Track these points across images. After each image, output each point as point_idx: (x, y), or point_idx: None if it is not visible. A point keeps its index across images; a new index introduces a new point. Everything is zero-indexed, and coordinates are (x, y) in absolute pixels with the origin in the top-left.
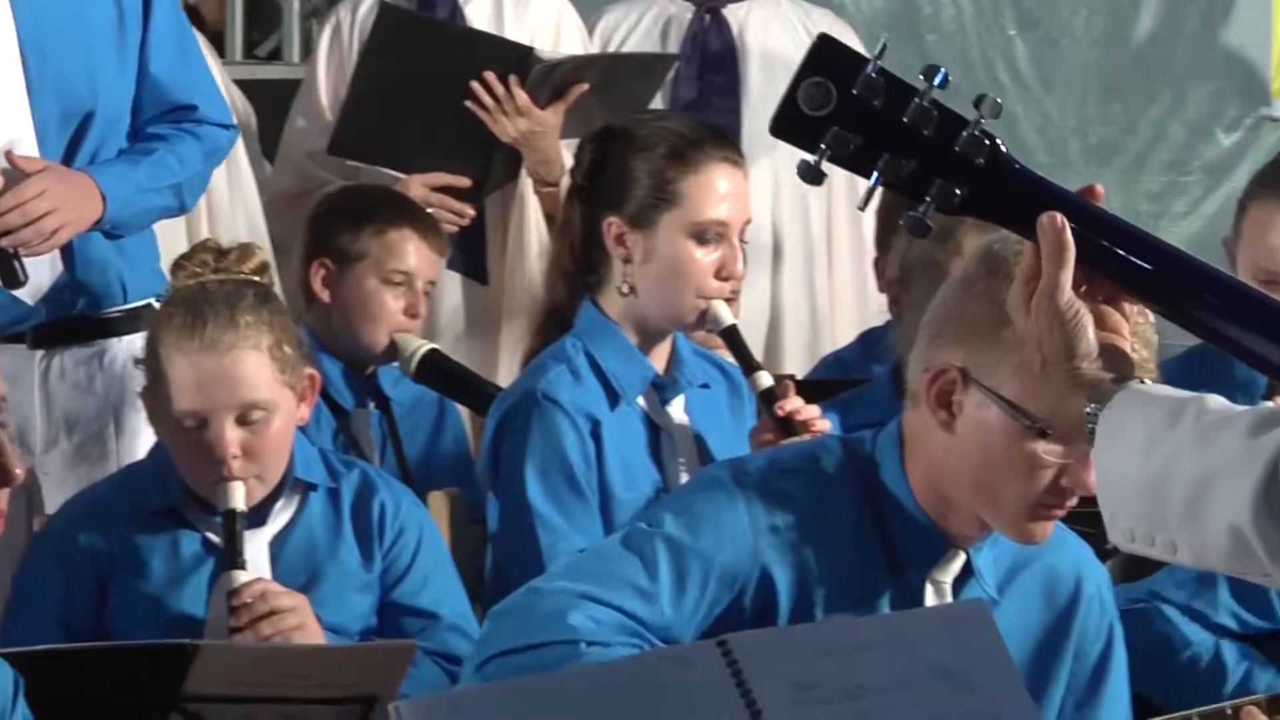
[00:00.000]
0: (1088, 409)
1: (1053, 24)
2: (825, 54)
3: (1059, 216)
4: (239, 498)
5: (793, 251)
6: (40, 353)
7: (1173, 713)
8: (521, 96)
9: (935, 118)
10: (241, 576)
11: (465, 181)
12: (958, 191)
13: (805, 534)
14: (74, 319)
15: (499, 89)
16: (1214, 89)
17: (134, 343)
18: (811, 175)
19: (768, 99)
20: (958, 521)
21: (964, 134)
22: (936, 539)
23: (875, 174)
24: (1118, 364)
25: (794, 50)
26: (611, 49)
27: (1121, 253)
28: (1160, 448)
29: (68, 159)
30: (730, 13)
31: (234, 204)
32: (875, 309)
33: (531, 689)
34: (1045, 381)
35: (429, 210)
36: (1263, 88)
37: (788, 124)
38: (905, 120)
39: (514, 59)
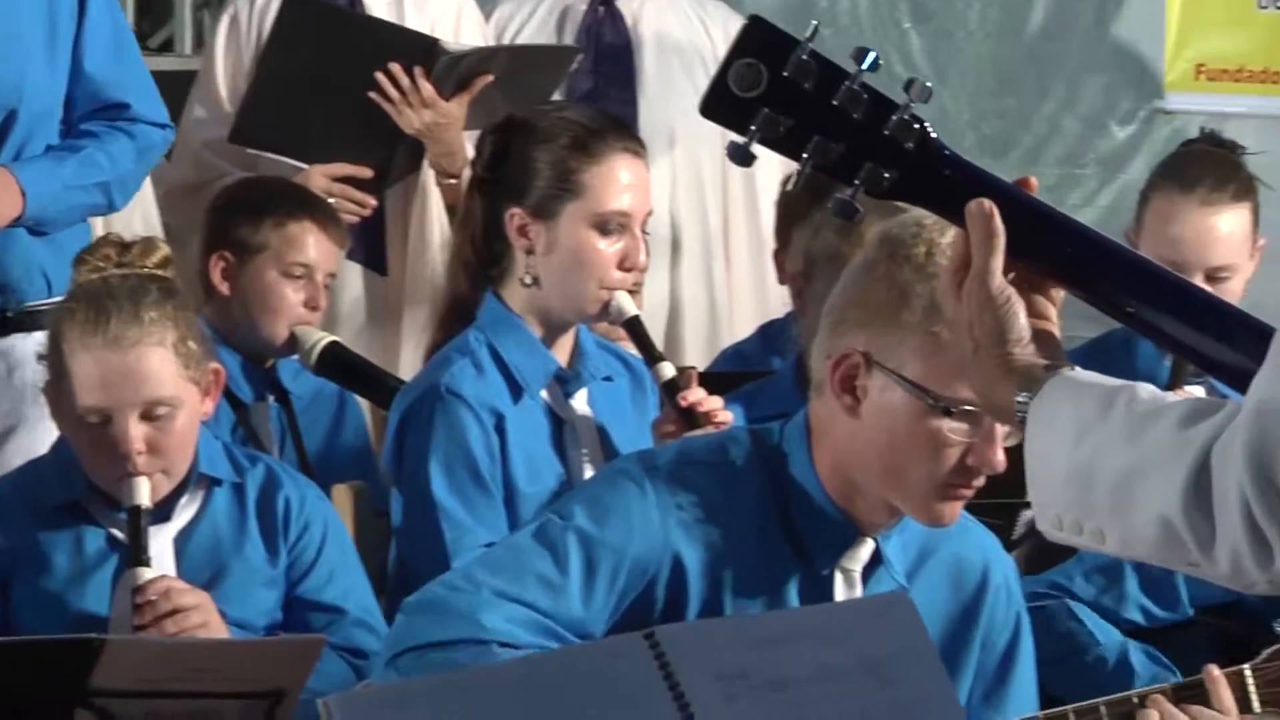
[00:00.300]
0: (1019, 397)
1: (947, 17)
2: (757, 35)
3: (987, 202)
4: (144, 494)
5: (690, 244)
6: None
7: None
8: (426, 88)
9: (865, 101)
10: (146, 574)
11: (367, 173)
12: (886, 175)
13: (714, 525)
14: None
15: (404, 80)
16: (1107, 82)
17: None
18: (741, 156)
19: (663, 90)
20: (865, 508)
21: (894, 118)
22: (845, 527)
23: (805, 156)
24: (1050, 349)
25: (689, 41)
26: (505, 41)
27: (1049, 239)
28: (1090, 437)
29: None
30: (624, 4)
31: None
32: (774, 302)
33: (462, 682)
34: (977, 366)
35: (330, 201)
36: (1155, 81)
37: (718, 105)
38: (835, 103)
39: (419, 50)
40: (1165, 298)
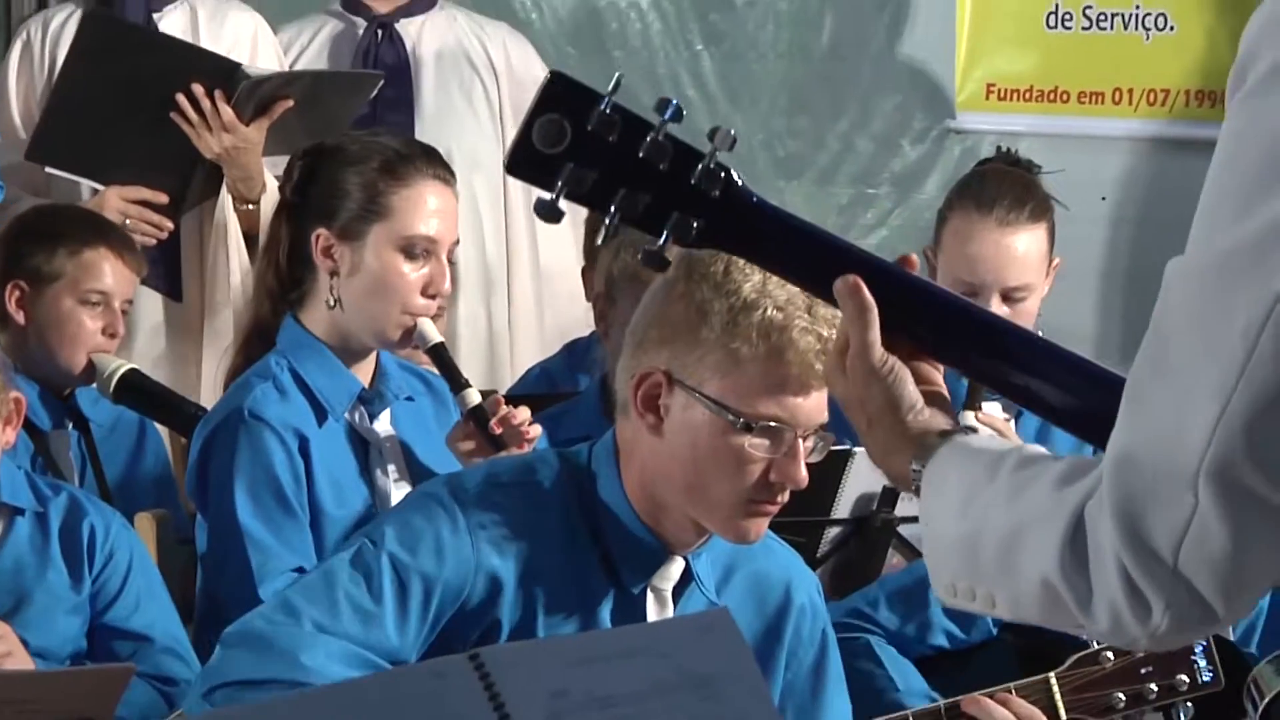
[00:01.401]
0: (913, 466)
1: (739, 39)
2: (559, 90)
3: (851, 278)
4: None
5: (467, 272)
6: None
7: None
8: (227, 112)
9: (670, 151)
10: None
11: (163, 197)
12: (694, 224)
13: (523, 547)
14: None
15: (205, 103)
16: (899, 102)
17: None
18: (548, 212)
19: (442, 113)
20: (673, 527)
21: (699, 166)
22: (654, 547)
23: (612, 209)
24: (945, 412)
25: (468, 63)
26: (288, 64)
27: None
28: (977, 501)
29: None
30: (403, 27)
31: None
32: (553, 330)
33: (285, 706)
34: (872, 439)
35: (126, 223)
36: (946, 100)
37: (523, 161)
38: (641, 155)
39: (220, 73)
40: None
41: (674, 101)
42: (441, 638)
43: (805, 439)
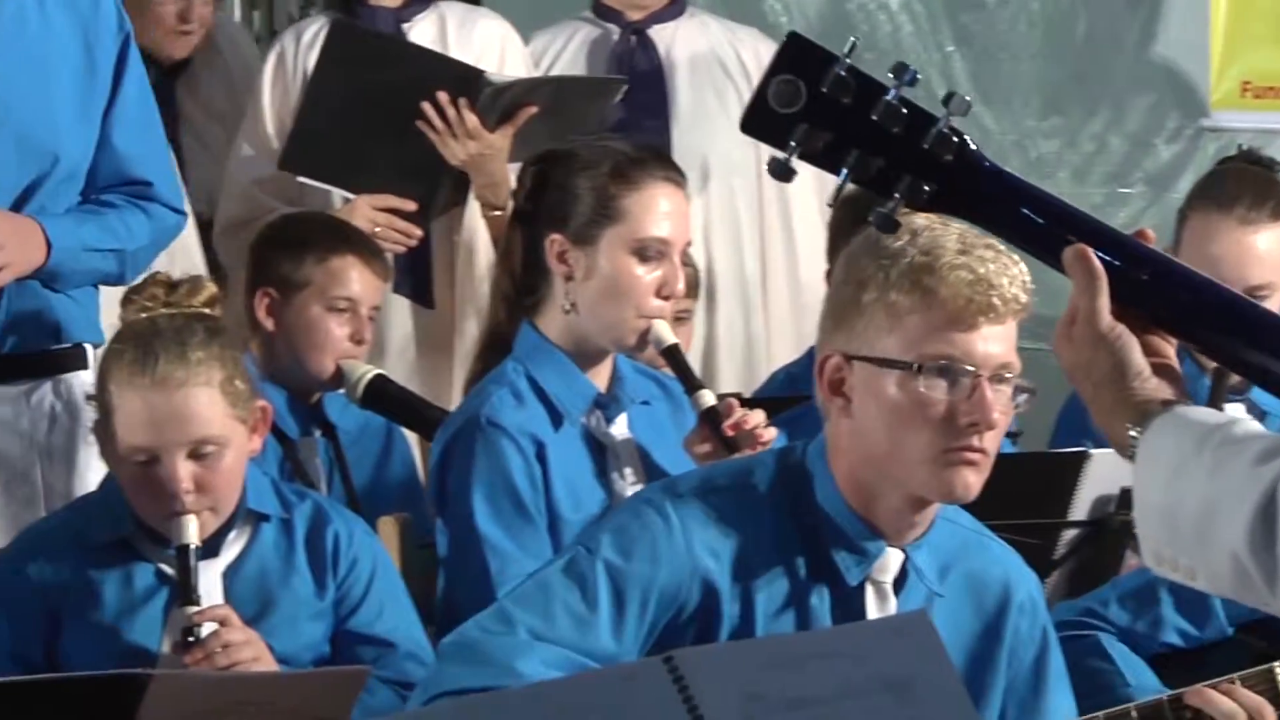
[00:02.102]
0: (1130, 432)
1: (990, 39)
2: (795, 52)
3: (1081, 246)
4: (192, 532)
5: (725, 280)
6: None
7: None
8: (471, 119)
9: (904, 115)
10: (195, 610)
11: (411, 205)
12: (926, 188)
13: (740, 549)
14: (3, 358)
15: (450, 111)
16: (1153, 101)
17: (64, 382)
18: (781, 171)
19: (697, 117)
20: (887, 513)
21: (932, 131)
22: (871, 540)
23: (844, 170)
24: (1174, 384)
25: (722, 67)
26: (542, 72)
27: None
28: (1183, 472)
29: (16, 207)
30: (656, 33)
31: None
32: (809, 334)
33: (482, 706)
34: (1098, 404)
35: (376, 232)
36: (1200, 99)
37: (757, 121)
38: (874, 118)
39: (465, 81)
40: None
41: (910, 67)
42: (659, 643)
43: (991, 380)
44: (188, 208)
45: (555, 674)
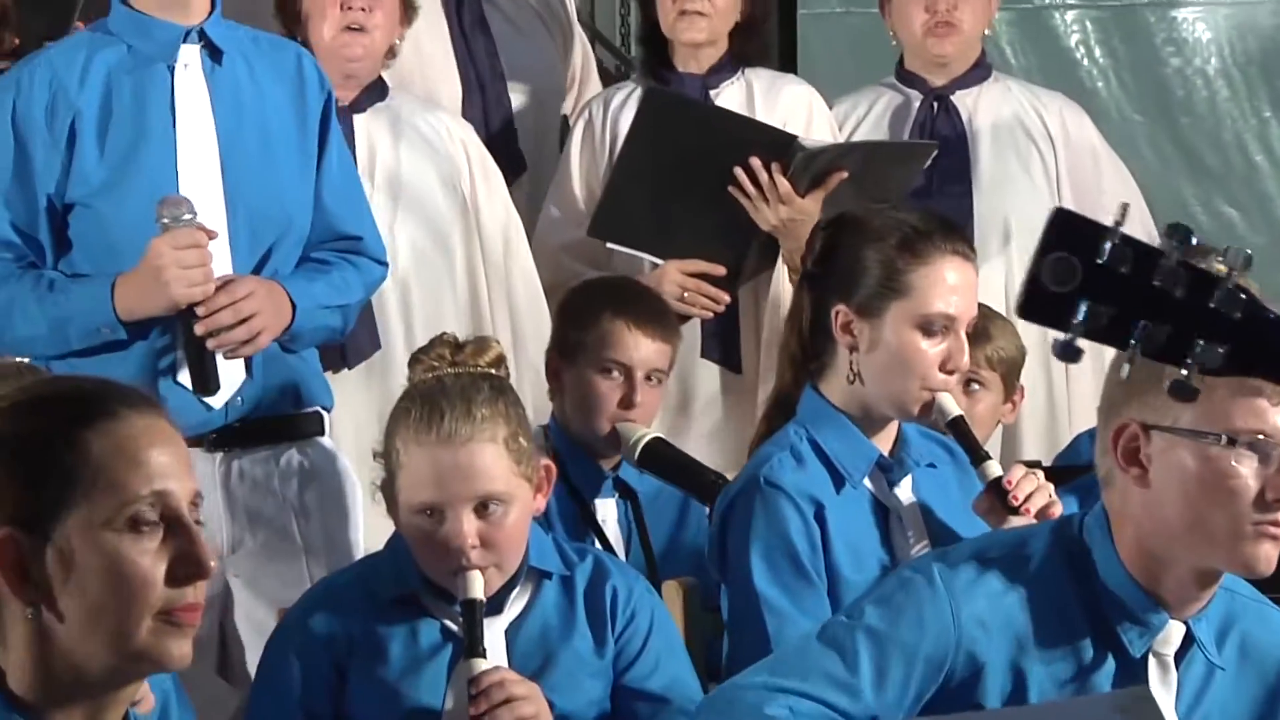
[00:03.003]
0: None
1: None
2: (1065, 228)
3: None
4: (478, 587)
5: (1028, 339)
6: (219, 455)
7: None
8: (784, 184)
9: (1185, 277)
10: (481, 664)
11: (720, 270)
12: (1220, 349)
13: (1011, 620)
14: (253, 423)
15: (763, 176)
16: None
17: (310, 444)
18: (1069, 353)
19: (999, 182)
20: (1175, 585)
21: (1218, 291)
22: (1154, 612)
23: (1132, 343)
24: None
25: (1024, 132)
26: (842, 138)
27: None
28: None
29: (254, 272)
30: (959, 99)
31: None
32: None
33: None
34: None
35: (685, 297)
36: None
37: (1036, 304)
38: (1156, 283)
39: (778, 146)
40: None
41: (1184, 228)
42: (925, 711)
43: None
44: None
45: (803, 715)
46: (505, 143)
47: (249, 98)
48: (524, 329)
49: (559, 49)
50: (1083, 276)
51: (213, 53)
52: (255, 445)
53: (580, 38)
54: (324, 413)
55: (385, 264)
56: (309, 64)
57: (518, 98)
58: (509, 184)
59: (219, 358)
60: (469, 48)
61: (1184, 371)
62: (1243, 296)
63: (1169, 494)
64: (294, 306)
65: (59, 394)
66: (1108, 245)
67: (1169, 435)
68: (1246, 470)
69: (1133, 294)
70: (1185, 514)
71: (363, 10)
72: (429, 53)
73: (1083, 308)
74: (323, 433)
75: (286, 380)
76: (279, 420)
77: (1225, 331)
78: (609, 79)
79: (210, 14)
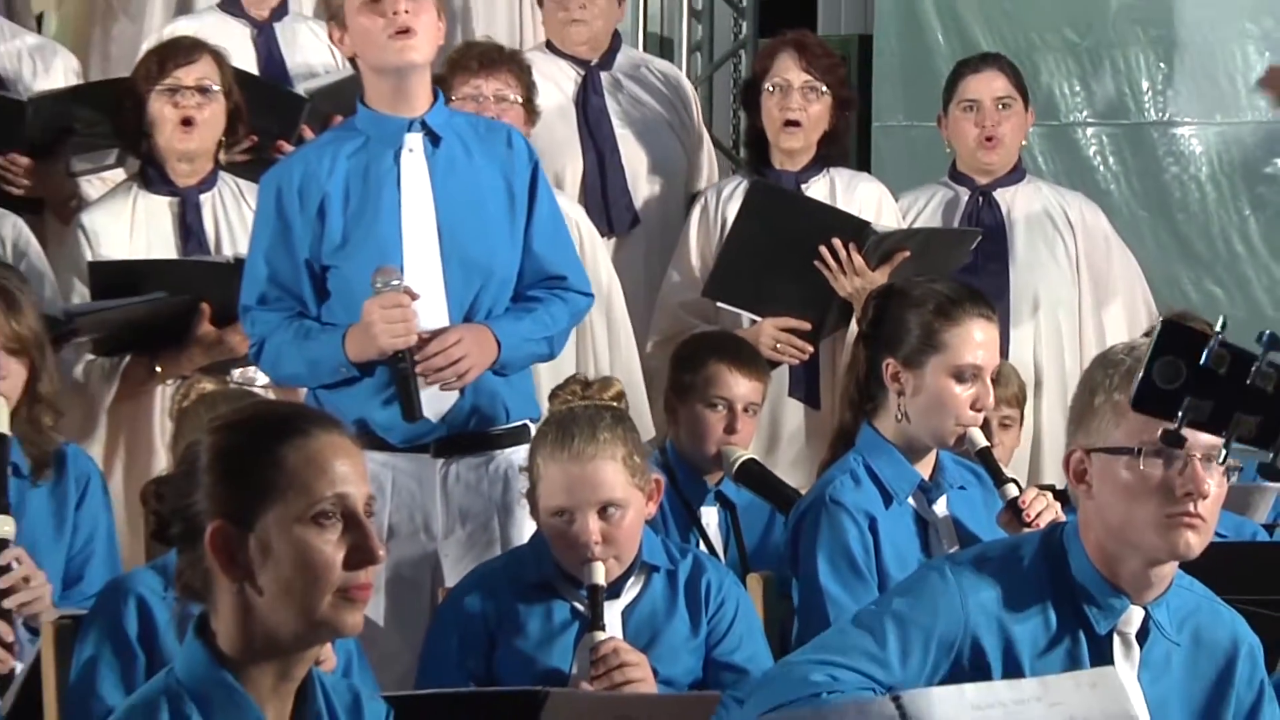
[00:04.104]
0: None
1: None
2: (1173, 335)
3: None
4: (601, 575)
5: (1050, 383)
6: (440, 461)
7: None
8: (858, 260)
9: (1275, 377)
10: (601, 637)
11: (807, 326)
12: None
13: (1006, 609)
14: (467, 435)
15: (842, 253)
16: None
17: (512, 454)
18: (1174, 439)
19: (1030, 263)
20: (1129, 575)
21: None
22: (1115, 597)
23: (1226, 433)
24: None
25: (1052, 224)
26: (906, 225)
27: None
28: None
29: (469, 315)
30: (999, 195)
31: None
32: None
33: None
34: None
35: (777, 348)
36: None
37: (1148, 398)
38: (1249, 382)
39: (854, 229)
40: None
41: (1269, 334)
42: (942, 682)
43: (1202, 460)
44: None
45: (842, 683)
46: (618, 203)
47: (463, 172)
48: (618, 361)
49: (684, 147)
50: (1187, 376)
51: (433, 138)
52: (468, 453)
53: (705, 141)
54: (530, 424)
55: (590, 294)
56: (518, 139)
57: (647, 186)
58: (624, 234)
59: (436, 386)
60: (592, 133)
61: (1272, 456)
62: None
63: (1109, 501)
64: (499, 344)
65: (262, 415)
66: (1211, 349)
67: (1102, 455)
68: (1157, 473)
69: (1229, 390)
70: (1119, 514)
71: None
72: (560, 136)
73: (1186, 401)
74: (528, 441)
75: (495, 399)
76: (488, 432)
77: None
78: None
79: (432, 106)
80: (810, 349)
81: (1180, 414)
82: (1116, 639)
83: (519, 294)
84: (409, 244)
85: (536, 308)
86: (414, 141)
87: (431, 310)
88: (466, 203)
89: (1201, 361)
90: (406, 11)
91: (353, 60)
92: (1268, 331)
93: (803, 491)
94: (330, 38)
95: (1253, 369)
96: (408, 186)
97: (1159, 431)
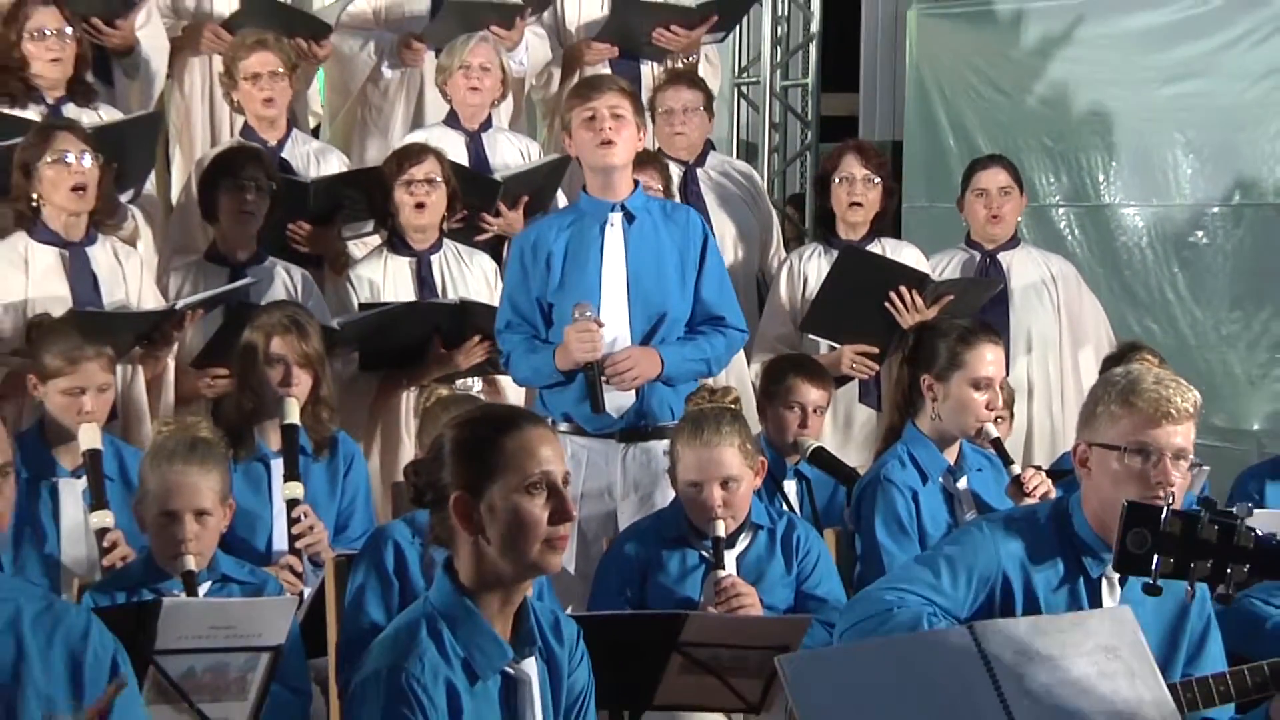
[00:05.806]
0: None
1: (1199, 264)
2: (1137, 512)
3: None
4: (721, 529)
5: (1039, 392)
6: (622, 445)
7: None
8: (919, 301)
9: (1216, 530)
10: (721, 574)
11: (875, 350)
12: (1245, 568)
13: (1027, 557)
14: (640, 427)
15: (908, 298)
16: None
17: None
18: (1151, 590)
19: (1025, 308)
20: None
21: (1237, 534)
22: (1106, 551)
23: (1188, 577)
24: None
25: (1040, 279)
26: (938, 278)
27: None
28: None
29: (645, 340)
30: (1002, 257)
31: None
32: None
33: (865, 650)
34: None
35: (853, 367)
36: None
37: (1127, 561)
38: (1199, 537)
39: (916, 279)
40: None
41: (1212, 501)
42: (979, 613)
43: (1172, 459)
44: None
45: (907, 600)
46: None
47: (650, 241)
48: (734, 375)
49: (757, 222)
50: (1151, 541)
51: (629, 216)
52: (642, 439)
53: (774, 217)
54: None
55: (744, 330)
56: (695, 218)
57: (731, 250)
58: None
59: (615, 390)
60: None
61: (1221, 588)
62: (1254, 534)
63: (1102, 482)
64: (663, 361)
65: (488, 414)
66: (1165, 519)
67: (1099, 448)
68: (1135, 466)
69: (1186, 545)
70: (1109, 494)
71: (610, 129)
72: None
73: (1155, 559)
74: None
75: (663, 403)
76: (658, 425)
77: (1246, 557)
78: (787, 240)
79: (632, 192)
80: (877, 367)
81: (1153, 570)
82: (1104, 581)
83: (692, 329)
84: (605, 290)
85: (699, 338)
86: (615, 219)
87: (619, 337)
88: (650, 263)
89: (1161, 528)
90: (610, 128)
91: (577, 159)
92: (1214, 505)
93: (861, 471)
94: (563, 142)
95: (1199, 525)
96: (608, 250)
97: (1139, 441)
